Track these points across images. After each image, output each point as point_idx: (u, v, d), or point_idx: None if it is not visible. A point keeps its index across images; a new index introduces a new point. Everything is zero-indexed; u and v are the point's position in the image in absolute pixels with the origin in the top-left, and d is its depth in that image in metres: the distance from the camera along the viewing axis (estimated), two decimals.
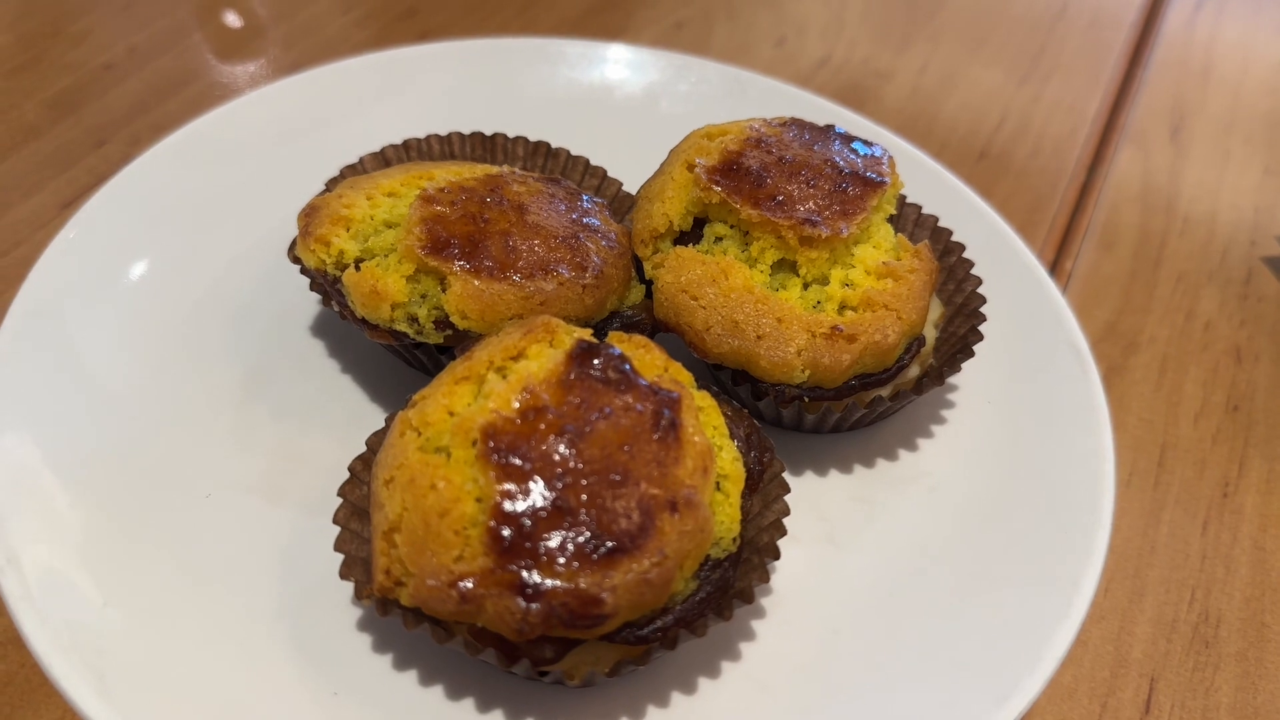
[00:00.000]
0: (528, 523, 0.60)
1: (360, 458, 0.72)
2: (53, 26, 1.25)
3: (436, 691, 0.67)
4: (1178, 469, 0.90)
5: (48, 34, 1.24)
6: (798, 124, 0.87)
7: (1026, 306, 0.92)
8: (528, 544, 0.59)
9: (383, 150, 0.92)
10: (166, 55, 1.23)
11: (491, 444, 0.62)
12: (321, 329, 0.88)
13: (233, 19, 1.31)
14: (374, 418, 0.83)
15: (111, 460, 0.76)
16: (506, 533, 0.59)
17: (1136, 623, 0.79)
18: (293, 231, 0.90)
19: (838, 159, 0.83)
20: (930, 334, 0.85)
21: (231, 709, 0.64)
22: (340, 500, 0.70)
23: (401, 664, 0.68)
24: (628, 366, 0.67)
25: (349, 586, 0.71)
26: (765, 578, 0.67)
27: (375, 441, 0.72)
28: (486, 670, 0.68)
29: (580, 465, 0.62)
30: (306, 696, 0.66)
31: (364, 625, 0.70)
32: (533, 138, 0.96)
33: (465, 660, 0.68)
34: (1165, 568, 0.83)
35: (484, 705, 0.66)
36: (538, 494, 0.60)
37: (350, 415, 0.83)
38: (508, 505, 0.60)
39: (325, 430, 0.81)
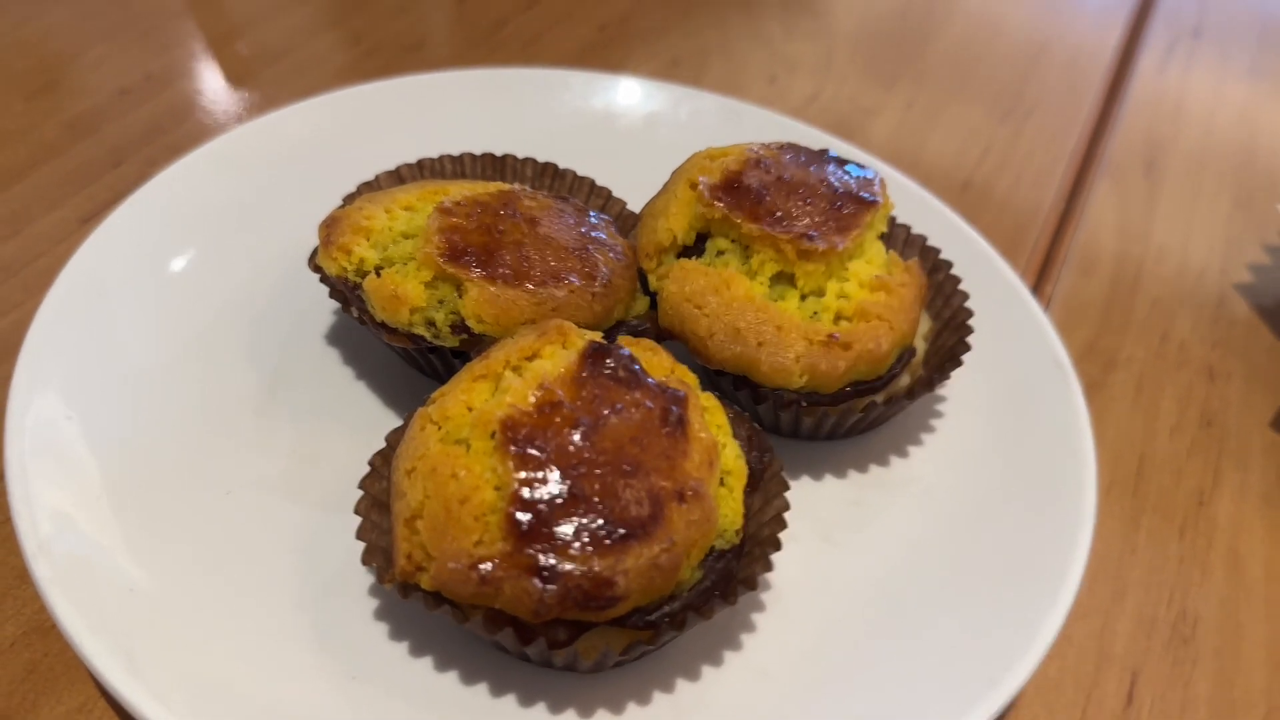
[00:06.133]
0: (544, 509, 0.63)
1: (380, 453, 0.75)
2: (70, 52, 1.29)
3: (451, 676, 0.69)
4: (1155, 479, 0.95)
5: (65, 59, 1.28)
6: (794, 148, 0.92)
7: (1010, 323, 0.96)
8: (544, 529, 0.62)
9: (398, 169, 0.96)
10: (181, 82, 1.27)
11: (510, 435, 0.65)
12: (335, 337, 0.92)
13: (244, 49, 1.35)
14: (386, 421, 0.86)
15: (136, 458, 0.78)
16: (524, 518, 0.62)
17: (1118, 620, 0.83)
18: (307, 245, 0.94)
19: (832, 180, 0.88)
20: (920, 346, 0.89)
21: (253, 690, 0.66)
22: (361, 493, 0.73)
23: (416, 651, 0.71)
24: (637, 366, 0.71)
25: (365, 578, 0.74)
26: (768, 566, 0.70)
27: (394, 438, 0.75)
28: (499, 657, 0.71)
29: (593, 456, 0.65)
30: (325, 679, 0.68)
31: (379, 615, 0.72)
32: (540, 160, 1.00)
33: (479, 647, 0.71)
34: (1144, 570, 0.87)
35: (497, 689, 0.69)
36: (554, 482, 0.63)
37: (363, 419, 0.86)
38: (525, 492, 0.63)
39: (340, 433, 0.84)
